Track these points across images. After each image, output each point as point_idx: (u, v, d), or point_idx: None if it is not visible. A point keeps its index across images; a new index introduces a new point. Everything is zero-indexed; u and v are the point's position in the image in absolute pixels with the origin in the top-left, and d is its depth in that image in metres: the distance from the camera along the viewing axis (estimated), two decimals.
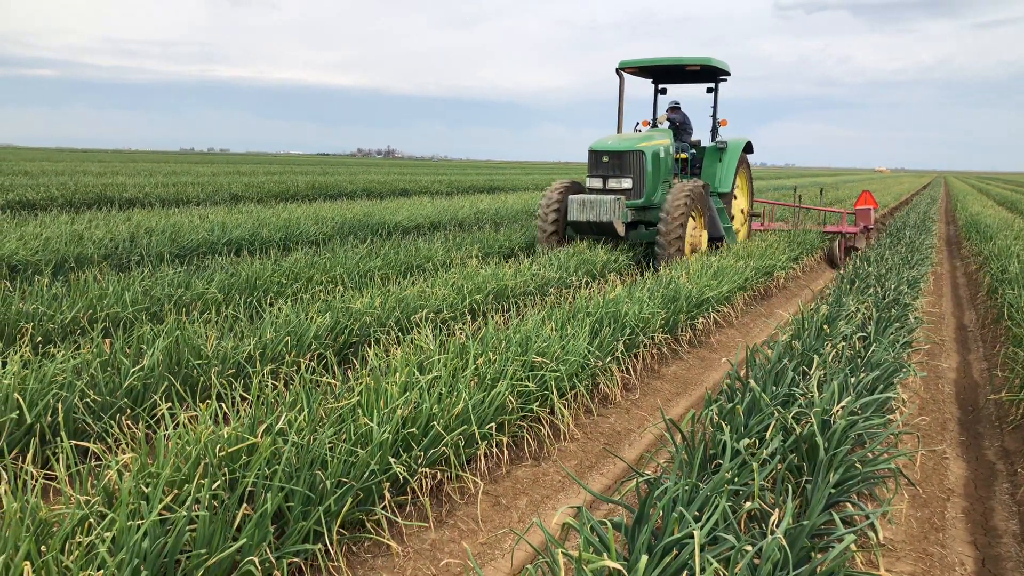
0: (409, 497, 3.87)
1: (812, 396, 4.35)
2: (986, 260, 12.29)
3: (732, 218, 13.09)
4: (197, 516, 2.88)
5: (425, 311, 6.61)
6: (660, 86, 13.42)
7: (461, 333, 5.52)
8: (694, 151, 13.02)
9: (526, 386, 4.78)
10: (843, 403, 4.14)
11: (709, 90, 12.78)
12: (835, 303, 7.38)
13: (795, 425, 3.93)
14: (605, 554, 2.76)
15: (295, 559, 3.16)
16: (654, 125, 12.86)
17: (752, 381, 4.58)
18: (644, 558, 2.61)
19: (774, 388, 4.62)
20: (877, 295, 7.76)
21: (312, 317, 5.92)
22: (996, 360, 7.42)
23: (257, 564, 2.91)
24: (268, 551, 3.02)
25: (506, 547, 3.82)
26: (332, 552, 3.25)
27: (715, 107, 12.96)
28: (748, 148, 13.43)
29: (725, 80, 12.75)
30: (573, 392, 5.30)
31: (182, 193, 21.57)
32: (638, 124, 12.66)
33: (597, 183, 11.20)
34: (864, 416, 4.21)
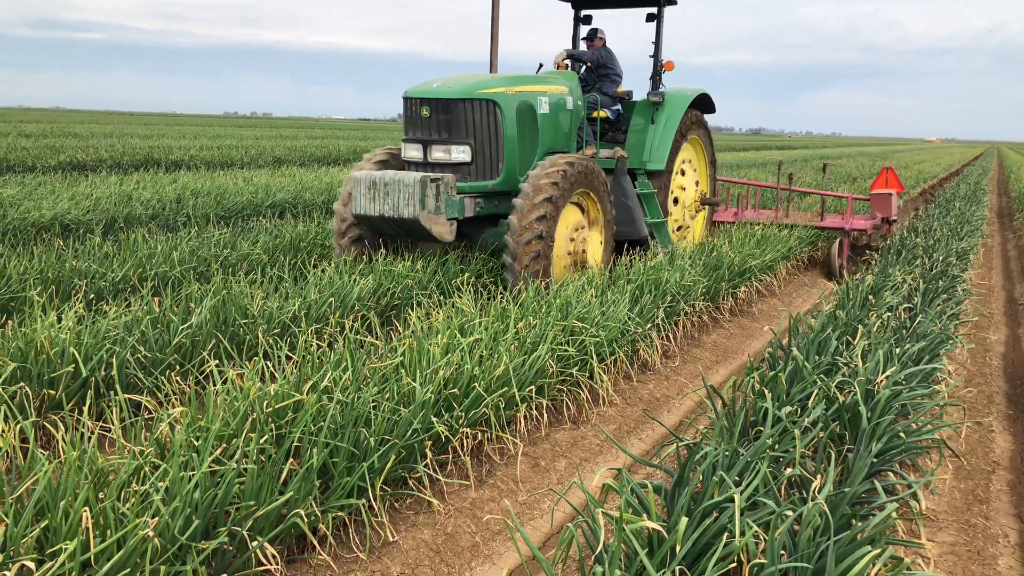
0: (450, 456, 3.93)
1: (856, 366, 4.31)
2: None
3: (674, 211, 9.08)
4: (246, 469, 2.96)
5: (466, 275, 6.65)
6: (582, 13, 9.17)
7: (501, 297, 5.54)
8: (619, 108, 8.74)
9: (566, 351, 4.80)
10: (887, 373, 4.09)
11: (650, 17, 8.78)
12: (881, 273, 7.27)
13: (838, 394, 3.90)
14: (645, 515, 2.79)
15: (340, 513, 3.23)
16: (574, 69, 8.60)
17: (795, 349, 4.54)
18: (684, 520, 2.63)
19: (817, 357, 4.58)
20: (924, 266, 7.63)
21: (355, 279, 5.98)
22: None
23: (303, 517, 2.99)
24: (314, 505, 3.10)
25: (544, 507, 3.87)
26: (376, 508, 3.32)
27: (657, 43, 8.73)
28: (704, 105, 9.35)
29: (674, 3, 8.76)
30: (613, 358, 5.31)
31: (226, 156, 21.83)
32: (541, 66, 8.35)
33: (415, 152, 6.97)
34: (909, 387, 4.16)
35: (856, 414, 3.74)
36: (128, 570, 2.47)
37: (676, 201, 9.15)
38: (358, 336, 4.55)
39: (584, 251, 7.03)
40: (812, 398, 3.88)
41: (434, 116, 6.84)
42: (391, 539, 3.38)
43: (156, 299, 5.19)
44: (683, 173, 9.23)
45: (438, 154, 6.86)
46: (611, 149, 8.26)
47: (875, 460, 3.49)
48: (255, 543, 2.84)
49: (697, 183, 9.59)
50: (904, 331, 5.28)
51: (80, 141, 25.56)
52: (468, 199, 6.82)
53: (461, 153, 6.83)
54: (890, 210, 10.80)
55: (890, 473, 3.63)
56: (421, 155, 6.93)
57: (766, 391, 3.93)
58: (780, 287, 8.95)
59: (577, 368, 4.87)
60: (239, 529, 2.83)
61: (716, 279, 7.22)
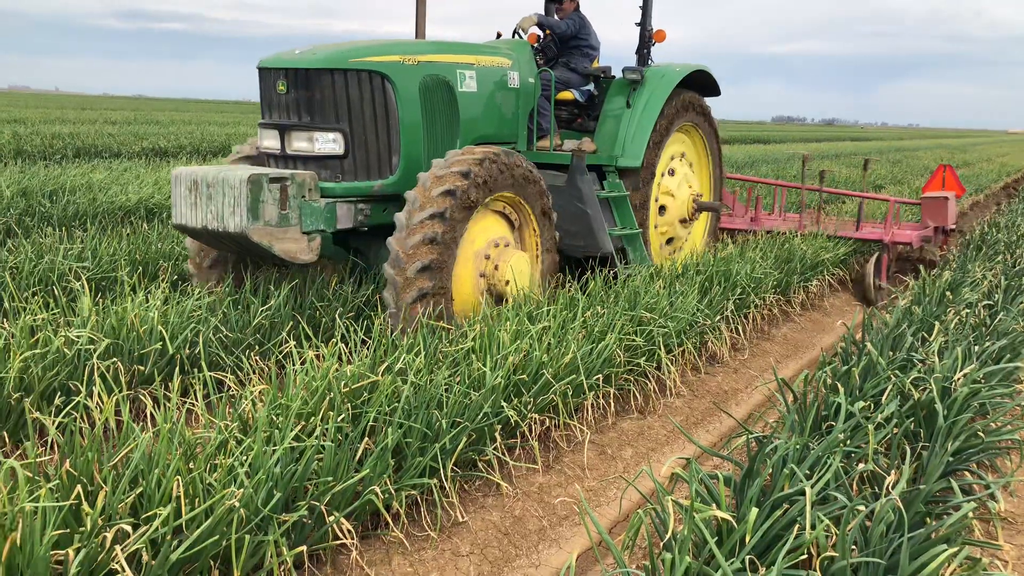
0: (518, 441, 3.99)
1: (932, 363, 4.22)
2: None
3: (658, 220, 7.18)
4: (324, 446, 3.08)
5: None
6: None
7: (569, 286, 5.58)
8: (591, 88, 7.05)
9: (633, 340, 4.81)
10: (965, 371, 4.00)
11: None
12: (959, 269, 7.06)
13: (913, 391, 3.84)
14: (714, 505, 2.80)
15: (412, 492, 3.33)
16: (545, 38, 7.05)
17: (868, 344, 4.47)
18: (754, 511, 2.64)
19: (891, 353, 4.50)
20: (1006, 263, 7.38)
21: None
22: None
23: (378, 494, 3.09)
24: (388, 483, 3.20)
25: (611, 495, 3.91)
26: (447, 488, 3.41)
27: (645, 8, 7.19)
28: (703, 85, 7.49)
29: None
30: (680, 349, 5.30)
31: None
32: (499, 35, 6.92)
33: (271, 141, 5.33)
34: (988, 385, 4.06)
35: (932, 411, 3.67)
36: (216, 537, 2.60)
37: (663, 209, 7.21)
38: (430, 321, 4.65)
39: (505, 274, 5.21)
40: (886, 394, 3.82)
41: (293, 92, 5.14)
42: (461, 519, 3.46)
43: (236, 281, 5.38)
44: (673, 172, 7.29)
45: (299, 144, 5.19)
46: (579, 140, 6.74)
47: (951, 459, 3.42)
48: (332, 518, 2.95)
49: (692, 185, 7.50)
50: (983, 329, 5.14)
51: (162, 128, 26.47)
52: (343, 205, 5.13)
53: (330, 143, 5.15)
54: (946, 217, 8.78)
55: (967, 473, 3.56)
56: (278, 145, 5.26)
57: (839, 385, 3.89)
58: (853, 281, 8.76)
59: (644, 358, 4.88)
60: (317, 504, 2.95)
61: (787, 272, 7.12)
